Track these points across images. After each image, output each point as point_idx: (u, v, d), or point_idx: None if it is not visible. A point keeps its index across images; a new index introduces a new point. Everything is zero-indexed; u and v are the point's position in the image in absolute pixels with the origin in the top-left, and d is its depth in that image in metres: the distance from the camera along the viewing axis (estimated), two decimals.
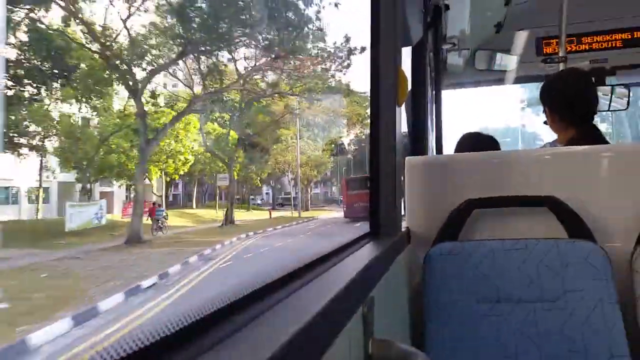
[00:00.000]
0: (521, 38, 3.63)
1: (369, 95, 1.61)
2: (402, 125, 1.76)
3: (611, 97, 3.37)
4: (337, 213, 34.24)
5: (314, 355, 0.63)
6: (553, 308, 1.54)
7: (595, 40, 3.46)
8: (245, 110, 34.99)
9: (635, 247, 1.59)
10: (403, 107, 1.98)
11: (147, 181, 25.95)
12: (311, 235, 22.75)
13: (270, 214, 35.59)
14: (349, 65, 26.87)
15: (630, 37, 3.39)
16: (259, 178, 40.54)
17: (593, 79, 3.51)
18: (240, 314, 0.62)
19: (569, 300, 1.54)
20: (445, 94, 3.95)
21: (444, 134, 3.43)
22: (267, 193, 56.57)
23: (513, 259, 1.61)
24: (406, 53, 2.58)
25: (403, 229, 1.80)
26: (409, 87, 2.59)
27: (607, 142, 2.14)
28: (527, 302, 1.56)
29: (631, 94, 3.34)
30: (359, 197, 28.64)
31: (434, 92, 3.29)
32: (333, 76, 28.73)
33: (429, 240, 1.75)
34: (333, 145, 44.57)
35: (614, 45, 3.45)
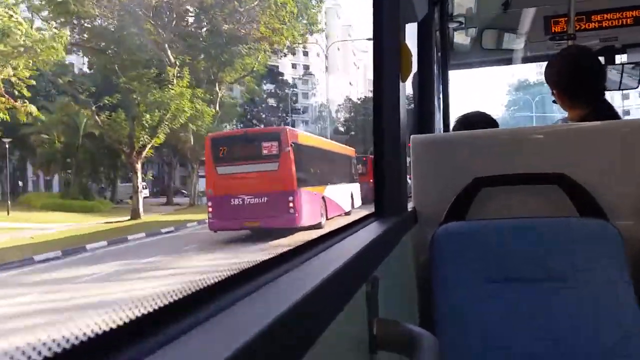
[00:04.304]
0: (529, 17, 3.55)
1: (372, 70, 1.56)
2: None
3: (622, 75, 3.30)
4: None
5: (313, 330, 0.61)
6: (563, 287, 1.50)
7: (605, 18, 3.37)
8: None
9: None
10: (410, 84, 1.93)
11: None
12: None
13: None
14: None
15: None
16: None
17: (602, 57, 3.45)
18: (237, 288, 0.61)
19: (579, 279, 1.50)
20: None
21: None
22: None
23: (522, 238, 1.57)
24: (412, 31, 2.52)
25: (410, 209, 1.76)
26: (415, 65, 2.55)
27: (619, 118, 2.08)
28: (537, 281, 1.53)
29: None
30: (248, 181, 14.13)
31: (440, 70, 3.23)
32: None
33: (436, 220, 1.71)
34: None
35: (624, 22, 3.36)
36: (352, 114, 47.18)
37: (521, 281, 1.53)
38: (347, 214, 18.46)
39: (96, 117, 22.68)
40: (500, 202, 1.74)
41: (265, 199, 14.00)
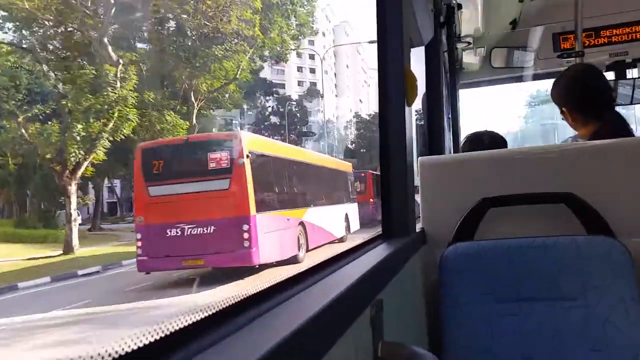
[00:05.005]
0: (538, 34, 3.57)
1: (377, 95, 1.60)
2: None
3: (633, 90, 3.29)
4: None
5: (315, 355, 0.63)
6: (573, 306, 1.51)
7: (614, 33, 3.39)
8: None
9: None
10: (419, 107, 1.96)
11: None
12: None
13: None
14: None
15: None
16: None
17: (613, 72, 3.45)
18: (239, 315, 0.63)
19: (589, 298, 1.50)
20: None
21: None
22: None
23: (531, 257, 1.58)
24: (420, 52, 2.56)
25: (418, 230, 1.78)
26: (424, 88, 2.58)
27: (630, 132, 2.07)
28: (547, 300, 1.53)
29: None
30: (190, 205, 10.16)
31: (449, 91, 3.27)
32: None
33: (445, 241, 1.73)
34: None
35: (634, 37, 3.37)
36: (363, 130, 46.41)
37: (531, 300, 1.54)
38: (341, 240, 15.39)
39: (22, 130, 17.76)
40: (508, 222, 1.75)
41: (212, 228, 10.07)
